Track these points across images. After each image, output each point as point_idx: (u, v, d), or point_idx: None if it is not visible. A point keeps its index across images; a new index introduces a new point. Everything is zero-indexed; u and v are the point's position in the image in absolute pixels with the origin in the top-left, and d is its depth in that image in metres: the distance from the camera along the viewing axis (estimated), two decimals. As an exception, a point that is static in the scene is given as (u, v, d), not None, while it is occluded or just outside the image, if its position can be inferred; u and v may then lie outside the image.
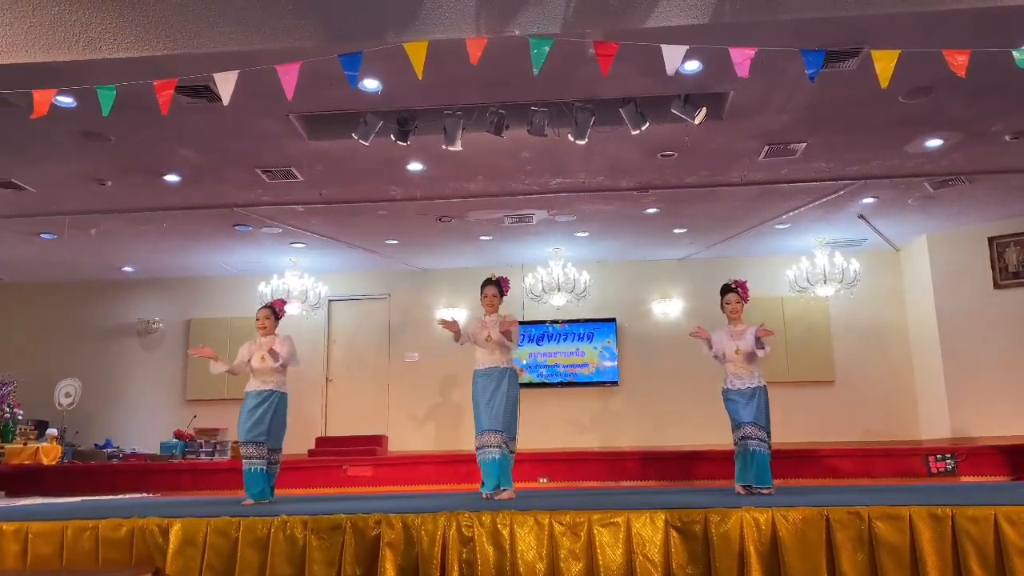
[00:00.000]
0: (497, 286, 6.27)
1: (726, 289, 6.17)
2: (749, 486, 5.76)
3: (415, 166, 8.21)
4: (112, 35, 5.30)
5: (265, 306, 6.51)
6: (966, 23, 5.23)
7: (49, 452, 10.41)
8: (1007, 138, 7.66)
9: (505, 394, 5.91)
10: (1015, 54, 4.65)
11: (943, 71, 4.89)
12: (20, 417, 10.91)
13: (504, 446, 5.84)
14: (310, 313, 11.73)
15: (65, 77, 5.52)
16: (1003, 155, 8.11)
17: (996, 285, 10.54)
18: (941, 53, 4.70)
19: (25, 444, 10.48)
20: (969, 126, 7.40)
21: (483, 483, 5.82)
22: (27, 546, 4.21)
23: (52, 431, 10.96)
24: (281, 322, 6.47)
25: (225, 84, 4.98)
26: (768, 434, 5.88)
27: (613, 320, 12.19)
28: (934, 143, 7.78)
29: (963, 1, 4.98)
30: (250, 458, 6.00)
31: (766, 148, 7.85)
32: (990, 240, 10.60)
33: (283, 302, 6.76)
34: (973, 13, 5.07)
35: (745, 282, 6.20)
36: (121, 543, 4.14)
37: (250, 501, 5.86)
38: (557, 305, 11.44)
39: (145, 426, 12.25)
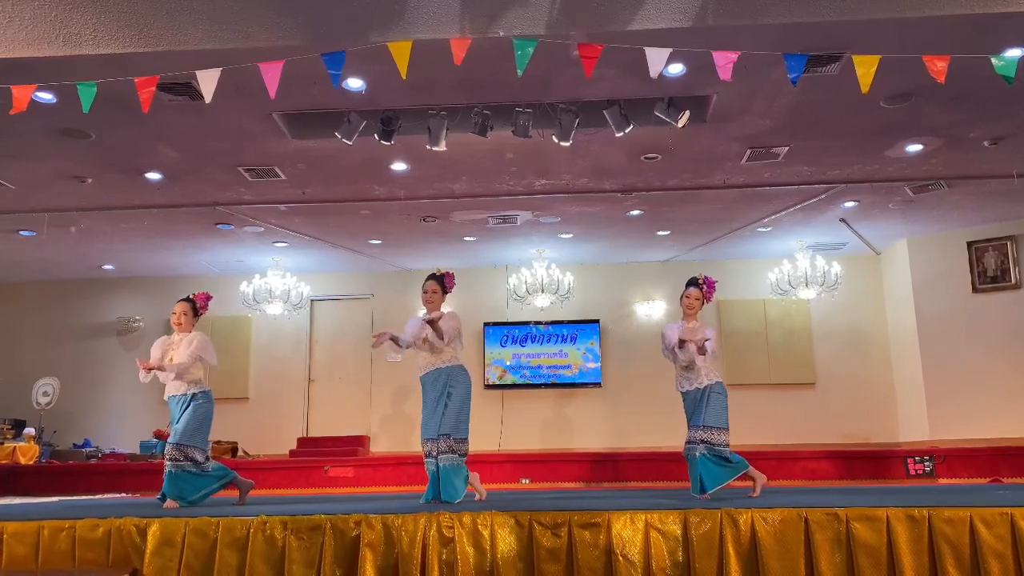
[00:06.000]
0: (438, 281, 5.82)
1: (691, 282, 5.86)
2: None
3: (399, 166, 8.19)
4: (93, 31, 5.25)
5: (184, 299, 6.00)
6: (946, 30, 5.28)
7: (26, 452, 10.30)
8: (985, 144, 7.74)
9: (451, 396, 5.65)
10: (994, 61, 4.71)
11: (923, 77, 4.94)
12: (-3, 416, 10.82)
13: (451, 452, 5.56)
14: (292, 313, 11.66)
15: (45, 73, 5.45)
16: (981, 161, 8.20)
17: (975, 289, 10.64)
18: (921, 59, 4.75)
19: (2, 443, 10.38)
20: (948, 132, 7.47)
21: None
22: (2, 546, 4.17)
23: (30, 430, 10.86)
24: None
25: (207, 82, 4.94)
26: (717, 433, 5.61)
27: (596, 322, 12.21)
28: (914, 148, 7.85)
29: (944, 8, 5.03)
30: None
31: (748, 151, 7.89)
32: (969, 244, 10.71)
33: (207, 297, 6.14)
34: (953, 20, 5.12)
35: (715, 281, 5.92)
36: (98, 543, 4.11)
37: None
38: (541, 306, 11.44)
39: (124, 426, 12.12)
